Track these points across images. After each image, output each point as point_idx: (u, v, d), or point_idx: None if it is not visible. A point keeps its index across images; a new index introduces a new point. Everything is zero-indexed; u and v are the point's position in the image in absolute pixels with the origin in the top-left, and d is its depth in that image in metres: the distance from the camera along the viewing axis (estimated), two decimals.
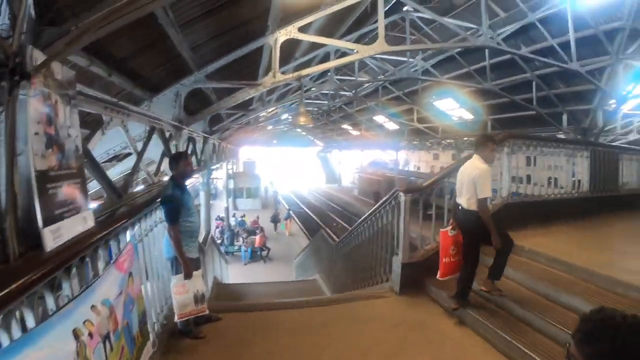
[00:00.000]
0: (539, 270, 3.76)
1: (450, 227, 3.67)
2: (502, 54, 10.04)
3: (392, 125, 24.00)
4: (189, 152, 7.95)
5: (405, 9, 9.26)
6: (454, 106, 16.67)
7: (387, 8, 7.47)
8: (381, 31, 6.19)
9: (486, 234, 3.26)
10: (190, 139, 8.16)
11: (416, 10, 8.96)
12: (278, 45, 6.03)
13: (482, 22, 7.32)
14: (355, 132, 29.91)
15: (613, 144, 9.08)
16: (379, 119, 23.77)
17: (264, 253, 16.16)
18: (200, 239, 5.28)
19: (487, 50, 10.00)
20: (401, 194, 4.23)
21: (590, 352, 0.85)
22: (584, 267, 3.50)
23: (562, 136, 11.87)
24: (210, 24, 5.22)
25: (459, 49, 10.83)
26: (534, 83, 10.81)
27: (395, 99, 17.44)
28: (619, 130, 12.16)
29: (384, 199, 4.65)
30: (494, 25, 8.82)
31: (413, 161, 43.14)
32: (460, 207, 3.50)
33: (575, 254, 3.82)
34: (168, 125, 6.07)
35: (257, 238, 16.38)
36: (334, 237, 9.27)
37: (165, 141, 5.94)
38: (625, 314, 0.87)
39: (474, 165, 3.43)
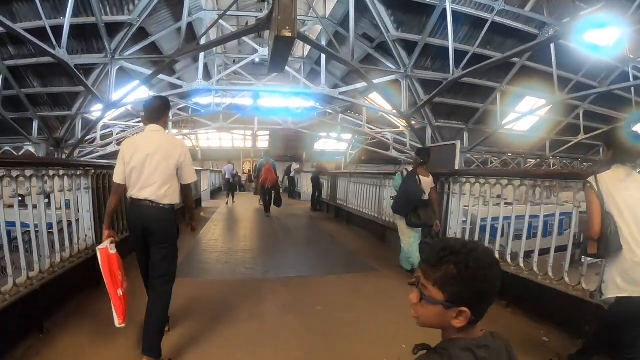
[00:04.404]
0: None
1: (109, 240, 2.40)
2: None
3: None
4: None
5: None
6: None
7: None
8: None
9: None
10: None
11: None
12: None
13: None
14: None
15: None
16: None
17: None
18: None
19: None
20: None
21: (439, 275, 1.03)
22: None
23: (32, 149, 9.28)
24: None
25: None
26: (1, 76, 7.66)
27: None
28: (99, 142, 10.98)
29: None
30: None
31: None
32: (146, 204, 2.38)
33: None
34: None
35: None
36: None
37: None
38: (464, 242, 1.04)
39: (171, 141, 2.46)
